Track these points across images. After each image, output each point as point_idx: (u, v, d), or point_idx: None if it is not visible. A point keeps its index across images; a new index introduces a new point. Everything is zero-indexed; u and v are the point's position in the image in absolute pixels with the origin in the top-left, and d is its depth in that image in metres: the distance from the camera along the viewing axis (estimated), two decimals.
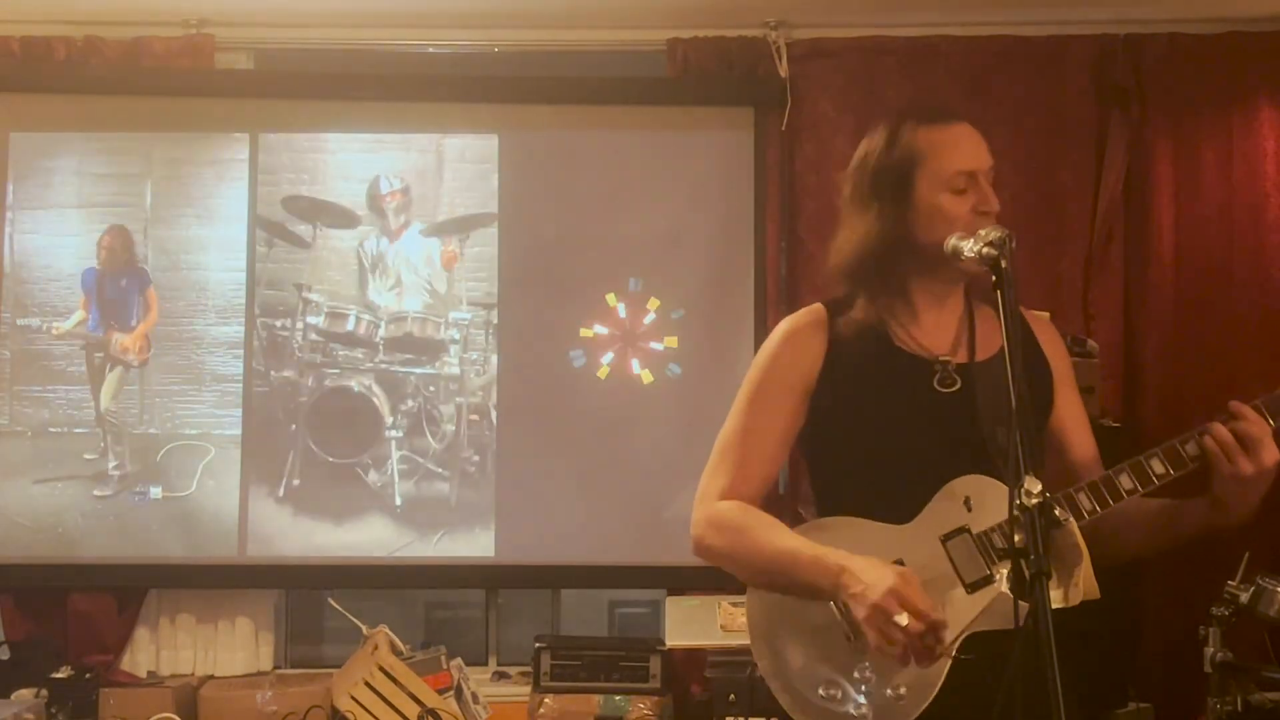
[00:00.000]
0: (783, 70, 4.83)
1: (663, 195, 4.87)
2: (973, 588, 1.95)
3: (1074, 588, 1.86)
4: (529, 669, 4.63)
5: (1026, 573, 1.67)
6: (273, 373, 4.81)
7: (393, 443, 4.81)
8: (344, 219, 4.86)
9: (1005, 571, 1.92)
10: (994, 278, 1.85)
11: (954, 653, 1.91)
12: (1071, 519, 1.89)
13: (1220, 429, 1.95)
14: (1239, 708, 3.38)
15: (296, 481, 4.77)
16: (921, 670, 1.89)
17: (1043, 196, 4.79)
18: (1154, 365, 4.74)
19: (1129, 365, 4.75)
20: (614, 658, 4.53)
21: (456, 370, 4.84)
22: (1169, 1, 4.75)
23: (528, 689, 4.60)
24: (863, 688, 1.94)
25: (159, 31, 4.86)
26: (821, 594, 1.94)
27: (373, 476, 4.79)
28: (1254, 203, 4.77)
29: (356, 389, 4.83)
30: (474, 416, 4.82)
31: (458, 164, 4.89)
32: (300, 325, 4.82)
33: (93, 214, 4.81)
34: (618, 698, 4.45)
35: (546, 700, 4.47)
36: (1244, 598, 3.42)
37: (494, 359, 4.83)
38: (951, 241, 1.97)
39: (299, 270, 4.84)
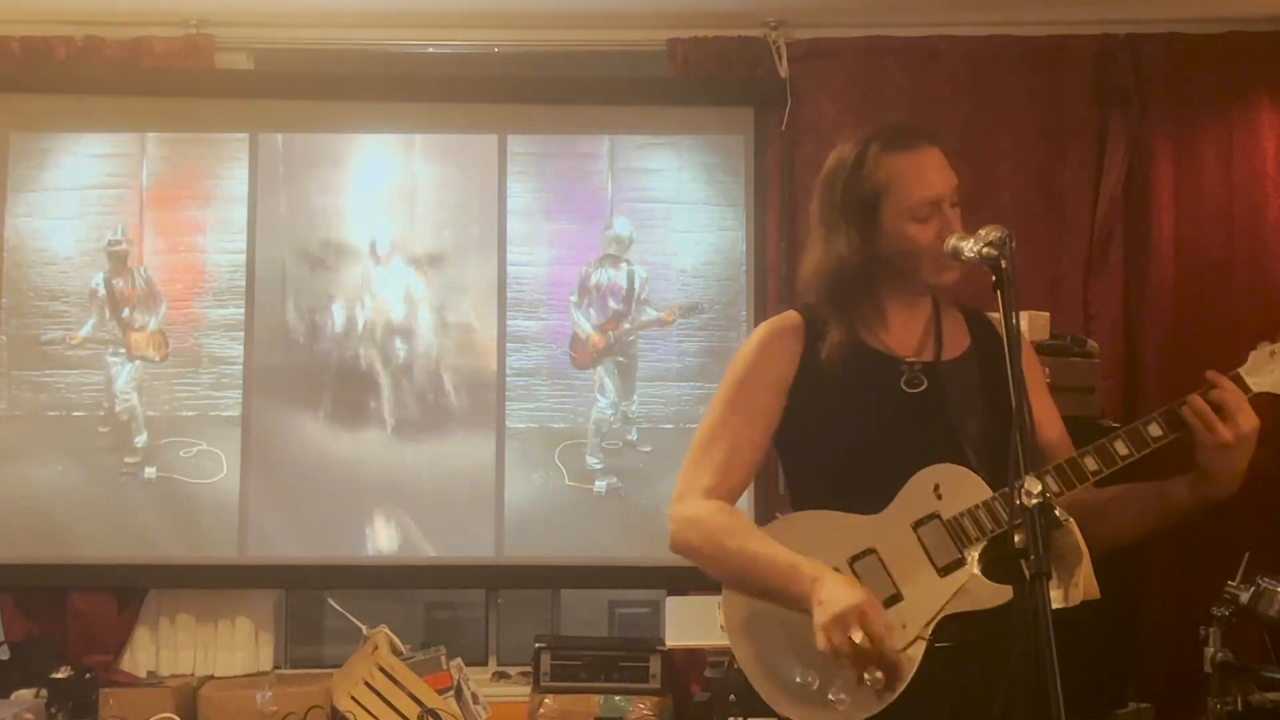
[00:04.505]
0: (783, 70, 4.84)
1: (662, 195, 4.87)
2: (945, 571, 1.98)
3: (1074, 588, 1.87)
4: (529, 669, 4.64)
5: (1027, 573, 1.67)
6: (273, 373, 4.82)
7: (394, 443, 4.82)
8: (342, 219, 4.87)
9: (976, 554, 1.98)
10: (994, 278, 1.85)
11: (928, 636, 1.95)
12: (1072, 520, 1.89)
13: (1198, 400, 1.98)
14: (1239, 708, 3.38)
15: (297, 481, 4.78)
16: (899, 653, 1.92)
17: (1043, 196, 4.80)
18: (1154, 365, 4.74)
19: (1129, 365, 4.76)
20: (614, 658, 4.54)
21: (457, 370, 4.84)
22: (1169, 1, 4.76)
23: (528, 689, 4.60)
24: (840, 675, 1.94)
25: (159, 31, 4.86)
26: (792, 601, 1.94)
27: (373, 476, 4.80)
28: (1254, 203, 4.77)
29: (357, 388, 4.84)
30: (475, 417, 4.82)
31: (458, 164, 4.90)
32: (300, 324, 4.83)
33: (91, 203, 4.82)
34: (618, 698, 4.46)
35: (546, 700, 4.48)
36: (1244, 598, 3.42)
37: (494, 358, 4.83)
38: (952, 241, 1.99)
39: (298, 270, 4.85)
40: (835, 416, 2.08)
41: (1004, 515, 1.95)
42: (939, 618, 1.96)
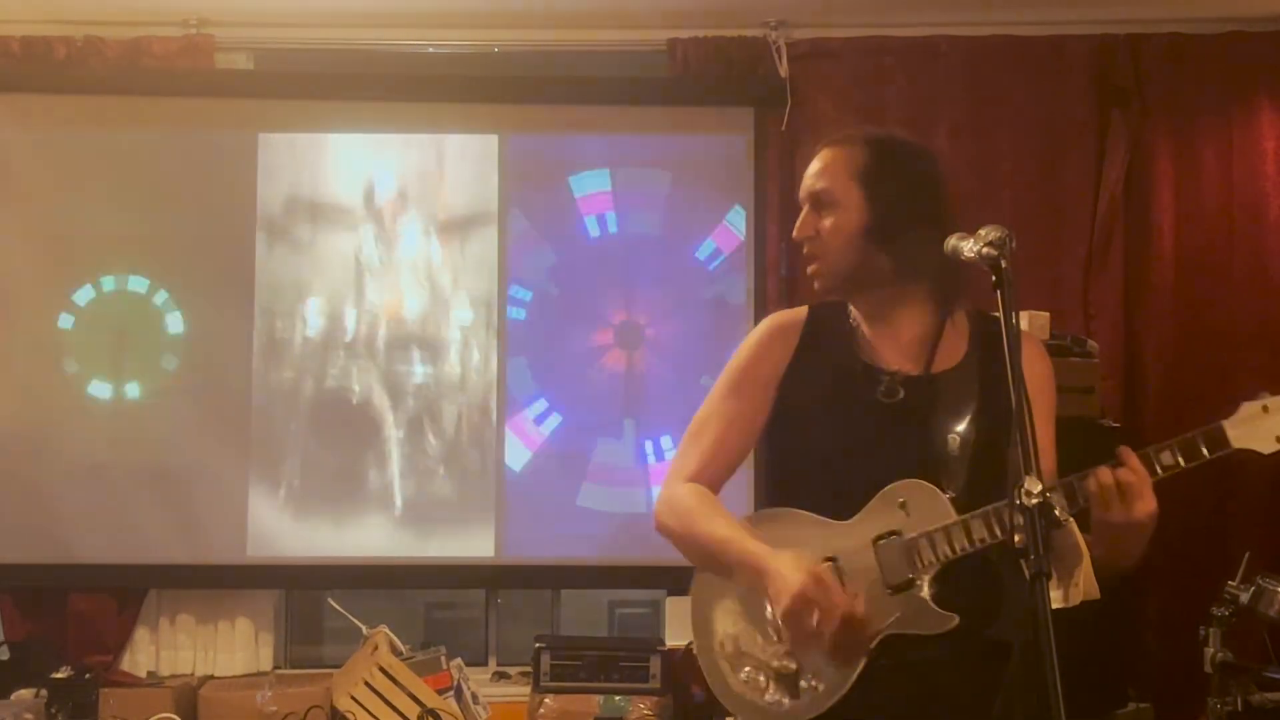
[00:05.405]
0: (783, 70, 4.84)
1: (663, 196, 4.87)
2: (895, 590, 1.98)
3: (1074, 588, 1.86)
4: (529, 669, 4.63)
5: (1027, 573, 1.67)
6: (272, 373, 4.81)
7: (393, 443, 4.81)
8: (343, 220, 4.86)
9: (928, 579, 1.97)
10: (994, 278, 1.85)
11: (870, 649, 1.96)
12: (1072, 520, 1.88)
13: (1105, 473, 1.91)
14: (1239, 708, 3.39)
15: (297, 482, 4.78)
16: (837, 664, 1.96)
17: (1043, 196, 4.80)
18: (1154, 365, 4.74)
19: (1129, 365, 4.75)
20: (614, 658, 4.54)
21: (458, 370, 4.84)
22: (1169, 1, 4.76)
23: (528, 689, 4.60)
24: (782, 677, 2.01)
25: (159, 31, 4.86)
26: (748, 585, 2.04)
27: (373, 476, 4.80)
28: (1254, 203, 4.77)
29: (357, 389, 4.83)
30: (475, 417, 4.82)
31: (458, 164, 4.90)
32: (300, 325, 4.82)
33: (90, 213, 4.81)
34: (618, 698, 4.45)
35: (546, 700, 4.47)
36: (1244, 598, 3.43)
37: (494, 358, 4.84)
38: (951, 242, 1.98)
39: (299, 271, 4.84)
40: (809, 418, 2.12)
41: (962, 543, 1.95)
42: (882, 636, 1.96)
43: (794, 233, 2.16)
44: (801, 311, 2.22)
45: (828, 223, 2.11)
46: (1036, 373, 2.12)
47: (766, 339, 2.20)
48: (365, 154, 4.90)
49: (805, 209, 2.15)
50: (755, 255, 4.83)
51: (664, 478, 2.21)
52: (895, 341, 2.12)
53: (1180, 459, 1.93)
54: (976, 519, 1.95)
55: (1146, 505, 1.89)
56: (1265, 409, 1.94)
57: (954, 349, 2.13)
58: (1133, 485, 1.89)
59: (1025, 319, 3.96)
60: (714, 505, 2.13)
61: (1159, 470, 1.92)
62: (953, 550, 1.96)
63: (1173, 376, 4.69)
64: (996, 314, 1.84)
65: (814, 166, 2.16)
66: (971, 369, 2.10)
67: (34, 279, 4.79)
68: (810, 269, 2.15)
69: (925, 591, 1.97)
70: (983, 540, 1.94)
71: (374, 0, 4.77)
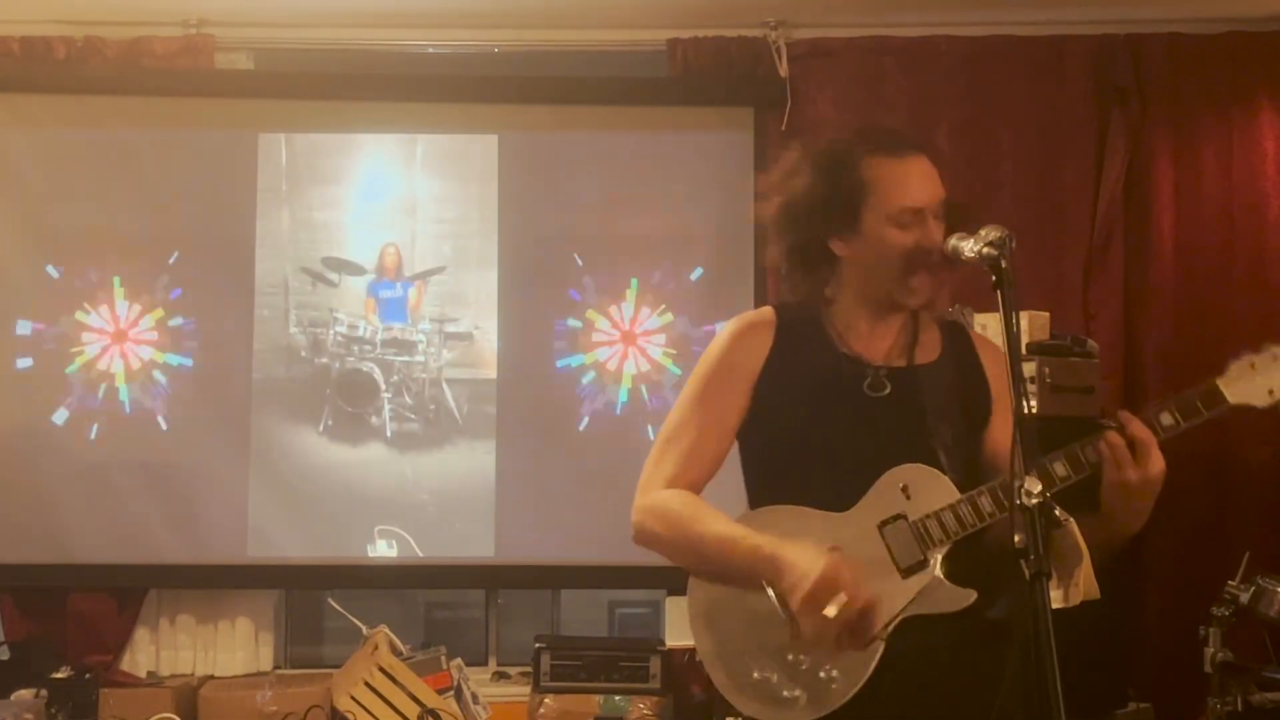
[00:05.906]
0: (783, 70, 4.84)
1: (663, 196, 4.87)
2: (907, 572, 1.99)
3: (1074, 588, 1.87)
4: (529, 669, 4.64)
5: (1027, 573, 1.67)
6: (273, 373, 4.82)
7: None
8: (343, 219, 4.88)
9: (939, 556, 1.98)
10: (994, 278, 1.85)
11: (887, 637, 1.95)
12: (1072, 520, 1.89)
13: (1114, 435, 1.94)
14: (1239, 708, 3.39)
15: (297, 482, 4.79)
16: (855, 653, 1.93)
17: (1043, 196, 4.80)
18: (1154, 365, 4.74)
19: (1129, 365, 4.76)
20: (614, 658, 4.54)
21: (458, 370, 4.85)
22: (1169, 1, 4.75)
23: (528, 689, 4.60)
24: (796, 671, 1.97)
25: (159, 31, 4.87)
26: (757, 582, 1.97)
27: (373, 476, 4.81)
28: (1254, 203, 4.77)
29: (365, 369, 4.85)
30: (476, 417, 4.83)
31: (458, 164, 4.90)
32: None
33: (89, 212, 4.81)
34: (618, 698, 4.46)
35: (546, 700, 4.48)
36: (1244, 598, 3.44)
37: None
38: (951, 242, 1.99)
39: (299, 271, 4.84)
40: (794, 416, 2.09)
41: (970, 518, 1.96)
42: (899, 619, 1.96)
43: (934, 241, 2.02)
44: (767, 310, 2.19)
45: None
46: (1001, 374, 2.12)
47: (738, 338, 2.16)
48: (365, 154, 4.90)
49: (934, 220, 2.04)
50: (755, 255, 4.83)
51: (640, 485, 2.14)
52: (871, 337, 2.12)
53: (1179, 418, 1.98)
54: (982, 494, 1.97)
55: (1158, 463, 1.93)
56: (1252, 365, 1.99)
57: (930, 345, 2.15)
58: (1145, 442, 1.93)
59: (1025, 319, 3.97)
60: (704, 506, 2.09)
61: (1160, 431, 1.97)
62: (962, 526, 1.96)
63: (1173, 376, 4.68)
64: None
65: (923, 179, 2.06)
66: (949, 364, 2.13)
67: (33, 278, 4.78)
68: (930, 283, 2.06)
69: (939, 570, 1.97)
70: (991, 514, 1.96)
71: (374, 0, 4.77)
